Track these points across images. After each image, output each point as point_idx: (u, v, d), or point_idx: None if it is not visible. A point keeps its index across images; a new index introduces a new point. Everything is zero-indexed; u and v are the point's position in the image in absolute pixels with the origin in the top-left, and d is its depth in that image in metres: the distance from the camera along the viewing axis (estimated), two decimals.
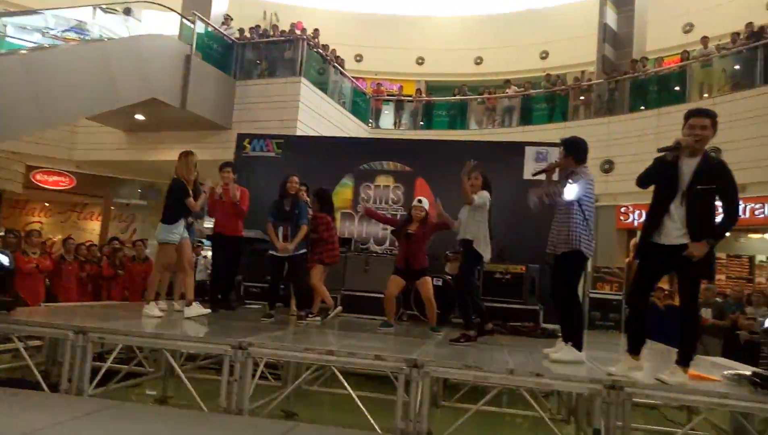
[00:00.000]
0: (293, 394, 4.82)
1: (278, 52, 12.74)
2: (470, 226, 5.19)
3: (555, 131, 12.51)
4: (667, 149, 3.66)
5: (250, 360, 3.99)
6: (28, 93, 8.39)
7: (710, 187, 3.55)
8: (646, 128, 11.53)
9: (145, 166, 13.40)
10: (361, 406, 3.97)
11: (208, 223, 7.47)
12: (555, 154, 6.58)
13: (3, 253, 5.51)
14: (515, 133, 13.16)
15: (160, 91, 10.55)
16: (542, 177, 4.48)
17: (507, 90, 15.10)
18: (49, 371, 4.70)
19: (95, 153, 13.35)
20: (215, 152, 10.63)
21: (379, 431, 3.86)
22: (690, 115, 3.71)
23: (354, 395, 4.03)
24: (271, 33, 14.32)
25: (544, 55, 18.03)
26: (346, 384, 4.08)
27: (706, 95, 11.78)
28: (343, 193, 8.56)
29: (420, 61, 19.53)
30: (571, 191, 4.21)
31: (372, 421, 3.90)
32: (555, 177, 4.48)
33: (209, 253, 8.69)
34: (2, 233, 9.38)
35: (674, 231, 3.62)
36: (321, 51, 13.35)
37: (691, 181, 3.59)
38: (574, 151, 4.32)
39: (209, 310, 5.65)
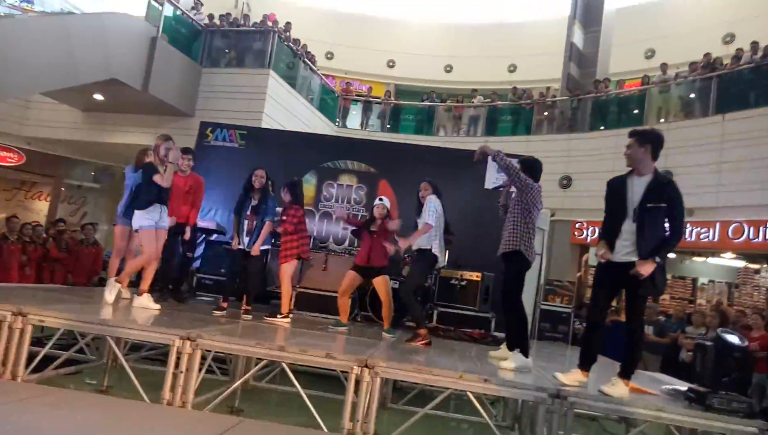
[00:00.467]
0: (240, 389, 4.74)
1: (248, 43, 12.56)
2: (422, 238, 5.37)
3: (518, 144, 12.77)
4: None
5: (198, 352, 3.90)
6: None
7: (660, 206, 3.69)
8: (604, 147, 11.87)
9: (100, 148, 12.96)
10: (309, 405, 3.94)
11: None
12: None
13: None
14: (479, 143, 13.27)
15: (122, 72, 10.22)
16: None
17: (473, 99, 15.33)
18: None
19: (48, 130, 12.82)
20: (177, 139, 10.09)
21: (325, 430, 3.83)
22: None
23: (303, 393, 3.99)
24: (242, 22, 14.09)
25: (513, 69, 18.36)
26: (295, 381, 4.04)
27: (662, 120, 12.24)
28: (305, 190, 8.46)
29: (391, 64, 19.60)
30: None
31: (319, 420, 3.87)
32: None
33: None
34: None
35: (623, 248, 3.76)
36: (292, 45, 13.23)
37: (642, 199, 3.73)
38: (527, 170, 4.63)
39: (158, 308, 5.28)
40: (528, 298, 7.78)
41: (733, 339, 3.75)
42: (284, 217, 5.83)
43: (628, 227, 3.75)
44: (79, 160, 14.58)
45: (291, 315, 5.94)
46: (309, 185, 8.58)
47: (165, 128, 11.26)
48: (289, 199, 5.86)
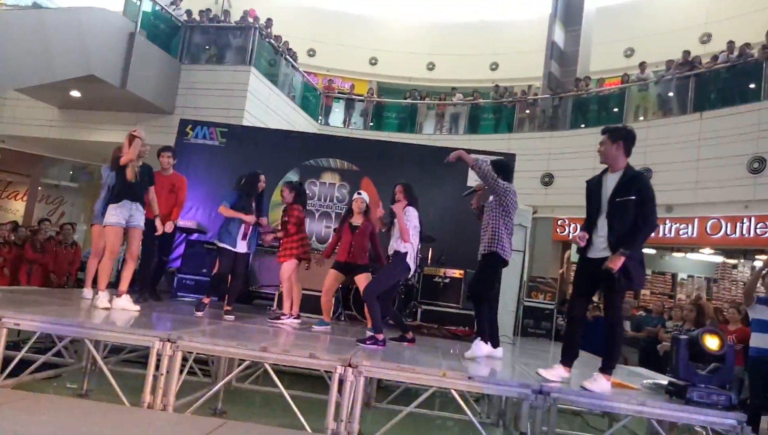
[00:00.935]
0: (223, 391, 4.69)
1: (228, 39, 12.42)
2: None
3: (500, 141, 12.85)
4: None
5: (179, 354, 3.84)
6: None
7: (629, 199, 3.71)
8: (585, 145, 11.99)
9: (78, 146, 12.72)
10: (293, 405, 3.90)
11: None
12: None
13: None
14: (461, 141, 13.39)
15: (100, 68, 10.04)
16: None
17: (453, 98, 15.37)
18: None
19: (23, 128, 12.53)
20: (156, 137, 10.17)
21: (309, 431, 3.80)
22: None
23: (286, 394, 3.96)
24: (222, 18, 13.93)
25: (494, 67, 18.45)
26: (278, 382, 4.00)
27: (642, 118, 12.41)
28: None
29: (373, 62, 19.54)
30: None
31: (303, 421, 3.84)
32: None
33: None
34: None
35: (599, 244, 3.81)
36: (273, 42, 13.12)
37: (611, 194, 3.77)
38: (500, 172, 4.75)
39: (138, 309, 5.16)
40: (511, 295, 7.84)
41: (712, 344, 3.72)
42: (286, 218, 5.77)
43: (602, 223, 3.80)
44: (55, 159, 14.30)
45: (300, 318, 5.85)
46: None
47: (144, 126, 11.09)
48: (291, 199, 5.81)
